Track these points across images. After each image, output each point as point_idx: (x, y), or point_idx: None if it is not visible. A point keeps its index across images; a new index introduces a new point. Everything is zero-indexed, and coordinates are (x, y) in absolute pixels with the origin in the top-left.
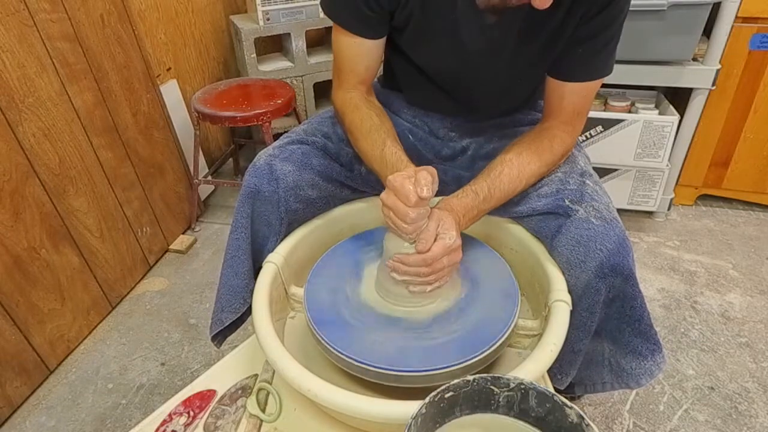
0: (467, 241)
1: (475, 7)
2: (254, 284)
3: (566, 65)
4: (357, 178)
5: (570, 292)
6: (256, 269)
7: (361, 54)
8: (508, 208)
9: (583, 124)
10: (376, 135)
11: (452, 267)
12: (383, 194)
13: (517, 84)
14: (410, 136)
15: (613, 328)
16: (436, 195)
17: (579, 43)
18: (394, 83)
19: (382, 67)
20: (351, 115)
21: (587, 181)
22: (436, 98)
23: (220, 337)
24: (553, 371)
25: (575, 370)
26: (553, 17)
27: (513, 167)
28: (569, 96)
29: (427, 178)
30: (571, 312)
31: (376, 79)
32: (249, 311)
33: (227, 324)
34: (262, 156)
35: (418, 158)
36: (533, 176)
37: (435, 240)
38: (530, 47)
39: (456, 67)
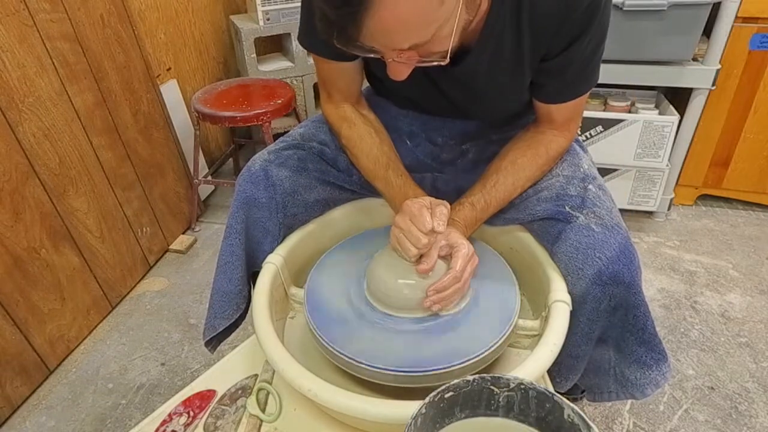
0: None
1: None
2: (248, 290)
3: (547, 91)
4: (355, 183)
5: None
6: (250, 275)
7: (341, 74)
8: (507, 216)
9: (578, 124)
10: (378, 153)
11: (473, 273)
12: (398, 217)
13: (500, 104)
14: (408, 141)
15: (617, 337)
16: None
17: (552, 75)
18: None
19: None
20: (348, 131)
21: (589, 186)
22: (423, 111)
23: (213, 342)
24: (553, 375)
25: (576, 376)
26: (518, 62)
27: (508, 176)
28: (557, 112)
29: (443, 212)
30: (572, 318)
31: (368, 85)
32: (242, 317)
33: (220, 330)
34: (257, 161)
35: (416, 162)
36: (529, 181)
37: (454, 256)
38: (500, 82)
39: (431, 95)
